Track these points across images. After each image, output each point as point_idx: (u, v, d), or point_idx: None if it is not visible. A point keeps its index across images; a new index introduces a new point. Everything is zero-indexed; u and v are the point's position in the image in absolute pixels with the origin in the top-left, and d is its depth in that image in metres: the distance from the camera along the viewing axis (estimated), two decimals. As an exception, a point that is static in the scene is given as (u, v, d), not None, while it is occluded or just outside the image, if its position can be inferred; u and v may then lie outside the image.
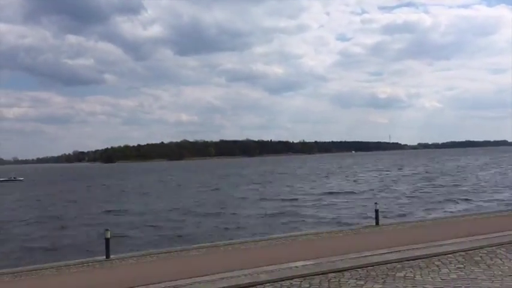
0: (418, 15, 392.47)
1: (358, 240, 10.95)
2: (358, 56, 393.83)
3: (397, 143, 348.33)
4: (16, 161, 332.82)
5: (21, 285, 8.44)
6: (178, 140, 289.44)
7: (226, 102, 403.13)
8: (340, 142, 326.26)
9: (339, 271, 7.99)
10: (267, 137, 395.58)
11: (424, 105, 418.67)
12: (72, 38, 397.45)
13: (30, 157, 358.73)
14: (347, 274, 7.85)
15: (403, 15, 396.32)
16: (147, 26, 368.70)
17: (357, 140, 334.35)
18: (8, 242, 19.42)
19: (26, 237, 20.27)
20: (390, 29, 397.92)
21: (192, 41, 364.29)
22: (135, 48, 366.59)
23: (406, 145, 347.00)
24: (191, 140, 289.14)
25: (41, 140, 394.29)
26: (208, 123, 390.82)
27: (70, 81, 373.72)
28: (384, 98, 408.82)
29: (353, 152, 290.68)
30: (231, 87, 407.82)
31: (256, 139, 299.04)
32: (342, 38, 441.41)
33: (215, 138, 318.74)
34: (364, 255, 8.99)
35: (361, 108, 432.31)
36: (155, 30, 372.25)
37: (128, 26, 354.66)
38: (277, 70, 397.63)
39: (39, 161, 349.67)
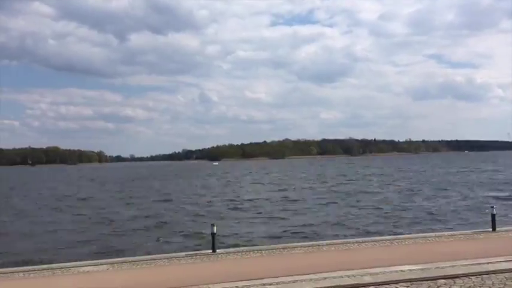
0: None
1: (471, 246, 10.25)
2: (400, 37, 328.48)
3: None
4: (133, 158, 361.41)
5: (141, 273, 9.22)
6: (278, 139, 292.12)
7: (283, 97, 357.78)
8: (450, 141, 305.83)
9: (450, 278, 7.53)
10: (345, 134, 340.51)
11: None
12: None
13: (144, 155, 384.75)
14: (459, 281, 7.37)
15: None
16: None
17: (467, 138, 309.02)
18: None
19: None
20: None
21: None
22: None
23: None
24: (293, 139, 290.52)
25: (122, 137, 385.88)
26: (286, 119, 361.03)
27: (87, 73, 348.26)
28: (467, 87, 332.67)
29: (466, 151, 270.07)
30: (271, 78, 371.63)
31: (359, 138, 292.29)
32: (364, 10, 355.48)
33: (303, 136, 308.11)
34: (478, 262, 8.37)
35: (440, 100, 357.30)
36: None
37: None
38: (303, 55, 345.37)
39: (153, 158, 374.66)
